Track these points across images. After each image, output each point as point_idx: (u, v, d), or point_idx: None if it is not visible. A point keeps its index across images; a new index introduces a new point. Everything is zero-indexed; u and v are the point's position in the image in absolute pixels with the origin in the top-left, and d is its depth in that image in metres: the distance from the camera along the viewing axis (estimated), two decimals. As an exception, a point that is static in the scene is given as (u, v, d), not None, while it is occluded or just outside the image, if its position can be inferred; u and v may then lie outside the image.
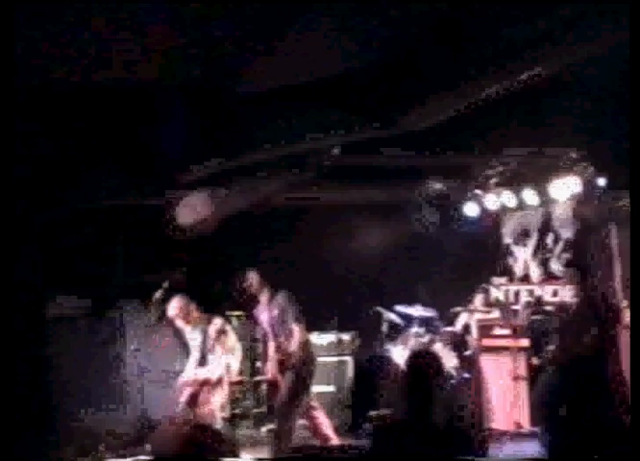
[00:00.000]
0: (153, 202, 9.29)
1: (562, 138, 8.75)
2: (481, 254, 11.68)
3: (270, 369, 9.20)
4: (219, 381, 9.15)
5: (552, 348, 8.80)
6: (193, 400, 9.11)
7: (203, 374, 9.09)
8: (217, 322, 9.11)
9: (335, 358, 10.92)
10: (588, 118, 8.19)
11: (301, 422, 9.28)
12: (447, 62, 6.00)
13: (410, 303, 11.11)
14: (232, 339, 9.26)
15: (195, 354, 9.23)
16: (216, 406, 9.18)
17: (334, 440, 8.92)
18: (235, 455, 8.64)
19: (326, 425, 9.03)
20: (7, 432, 5.61)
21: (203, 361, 9.11)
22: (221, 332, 9.08)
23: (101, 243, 10.37)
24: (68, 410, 9.66)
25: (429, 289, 11.40)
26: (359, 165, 9.62)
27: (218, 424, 9.17)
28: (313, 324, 10.16)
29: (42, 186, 8.27)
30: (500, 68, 5.77)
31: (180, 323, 9.29)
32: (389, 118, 6.79)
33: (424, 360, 4.97)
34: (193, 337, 9.29)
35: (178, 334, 9.86)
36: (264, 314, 9.14)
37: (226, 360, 9.13)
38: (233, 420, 9.74)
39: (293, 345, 8.82)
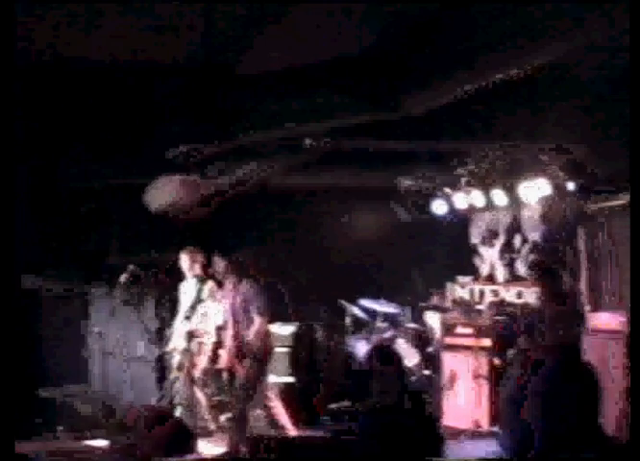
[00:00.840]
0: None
1: (539, 138, 8.80)
2: (450, 253, 11.74)
3: (226, 356, 9.19)
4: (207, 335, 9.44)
5: (513, 351, 8.79)
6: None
7: (193, 324, 9.32)
8: (211, 283, 9.44)
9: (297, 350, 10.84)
10: (566, 122, 8.25)
11: (259, 412, 9.25)
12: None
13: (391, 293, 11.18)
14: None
15: (184, 308, 9.49)
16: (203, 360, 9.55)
17: (292, 431, 8.90)
18: (193, 443, 8.64)
19: (283, 416, 9.01)
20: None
21: (190, 317, 9.36)
22: (213, 292, 9.44)
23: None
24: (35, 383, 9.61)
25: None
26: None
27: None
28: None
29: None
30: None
31: (186, 269, 9.73)
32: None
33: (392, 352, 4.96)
34: (187, 290, 9.67)
35: (141, 318, 9.86)
36: (226, 300, 9.11)
37: (215, 319, 9.36)
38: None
39: (251, 334, 8.78)
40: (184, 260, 9.76)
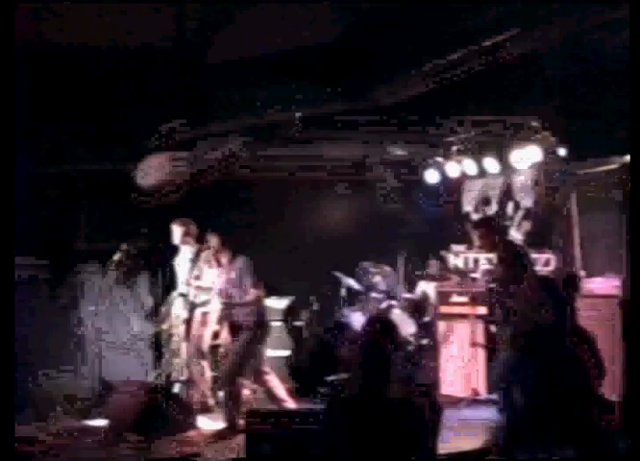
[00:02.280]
0: (119, 167, 9.18)
1: (527, 109, 8.78)
2: (442, 221, 11.72)
3: (223, 331, 9.21)
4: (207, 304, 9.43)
5: (499, 311, 8.77)
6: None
7: (192, 294, 9.34)
8: (208, 251, 9.24)
9: (293, 323, 10.87)
10: (553, 89, 8.21)
11: (256, 386, 9.26)
12: (416, 41, 5.94)
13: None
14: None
15: (181, 280, 9.50)
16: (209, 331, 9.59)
17: (290, 403, 8.91)
18: (192, 418, 8.62)
19: (280, 390, 9.00)
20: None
21: (185, 294, 9.36)
22: (210, 259, 9.26)
23: (65, 208, 10.29)
24: (26, 373, 9.55)
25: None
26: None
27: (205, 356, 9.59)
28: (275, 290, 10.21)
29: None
30: (470, 47, 5.70)
31: (178, 239, 9.68)
32: (358, 92, 6.73)
33: (380, 332, 4.88)
34: (181, 261, 9.70)
35: (135, 296, 9.83)
36: (222, 276, 9.10)
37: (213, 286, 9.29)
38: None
39: (246, 306, 8.79)
40: (177, 231, 9.65)
